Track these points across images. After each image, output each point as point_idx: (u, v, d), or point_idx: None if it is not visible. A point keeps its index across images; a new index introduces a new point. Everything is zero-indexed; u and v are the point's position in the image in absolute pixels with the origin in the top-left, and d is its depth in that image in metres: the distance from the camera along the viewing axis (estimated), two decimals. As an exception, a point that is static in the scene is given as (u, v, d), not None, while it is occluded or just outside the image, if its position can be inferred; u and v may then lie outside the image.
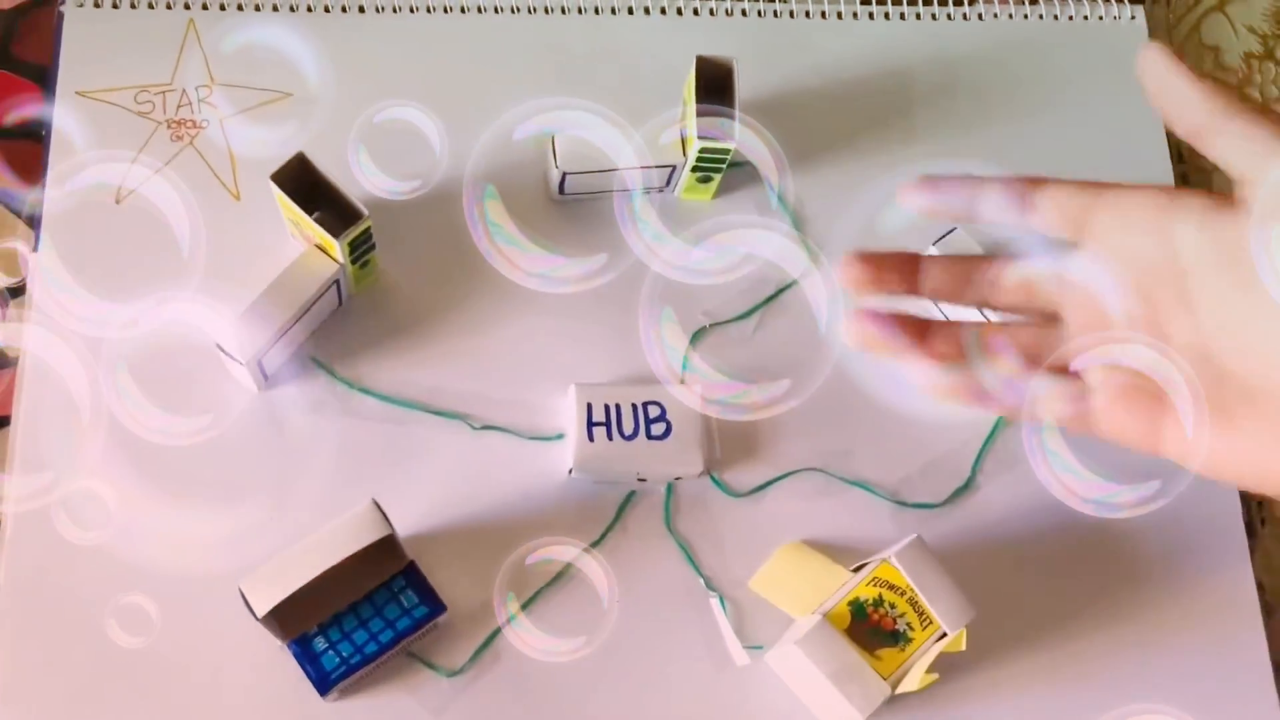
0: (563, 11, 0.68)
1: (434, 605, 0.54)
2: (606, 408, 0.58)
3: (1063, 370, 0.44)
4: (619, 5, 0.69)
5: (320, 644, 0.53)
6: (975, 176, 0.44)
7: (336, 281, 0.58)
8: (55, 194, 0.61)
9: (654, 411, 0.58)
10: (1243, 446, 0.40)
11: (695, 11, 0.69)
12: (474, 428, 0.59)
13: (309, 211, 0.55)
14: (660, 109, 0.62)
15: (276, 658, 0.54)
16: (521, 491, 0.59)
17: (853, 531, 0.60)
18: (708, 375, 0.61)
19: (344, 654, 0.53)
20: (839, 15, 0.70)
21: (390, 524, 0.51)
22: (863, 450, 0.61)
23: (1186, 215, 0.40)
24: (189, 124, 0.63)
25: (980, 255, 0.53)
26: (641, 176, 0.62)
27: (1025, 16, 0.71)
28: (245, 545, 0.54)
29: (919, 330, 0.45)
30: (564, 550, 0.57)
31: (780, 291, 0.63)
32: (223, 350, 0.55)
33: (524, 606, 0.57)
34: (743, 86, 0.60)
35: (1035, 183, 0.43)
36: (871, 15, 0.70)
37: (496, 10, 0.68)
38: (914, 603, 0.53)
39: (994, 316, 0.51)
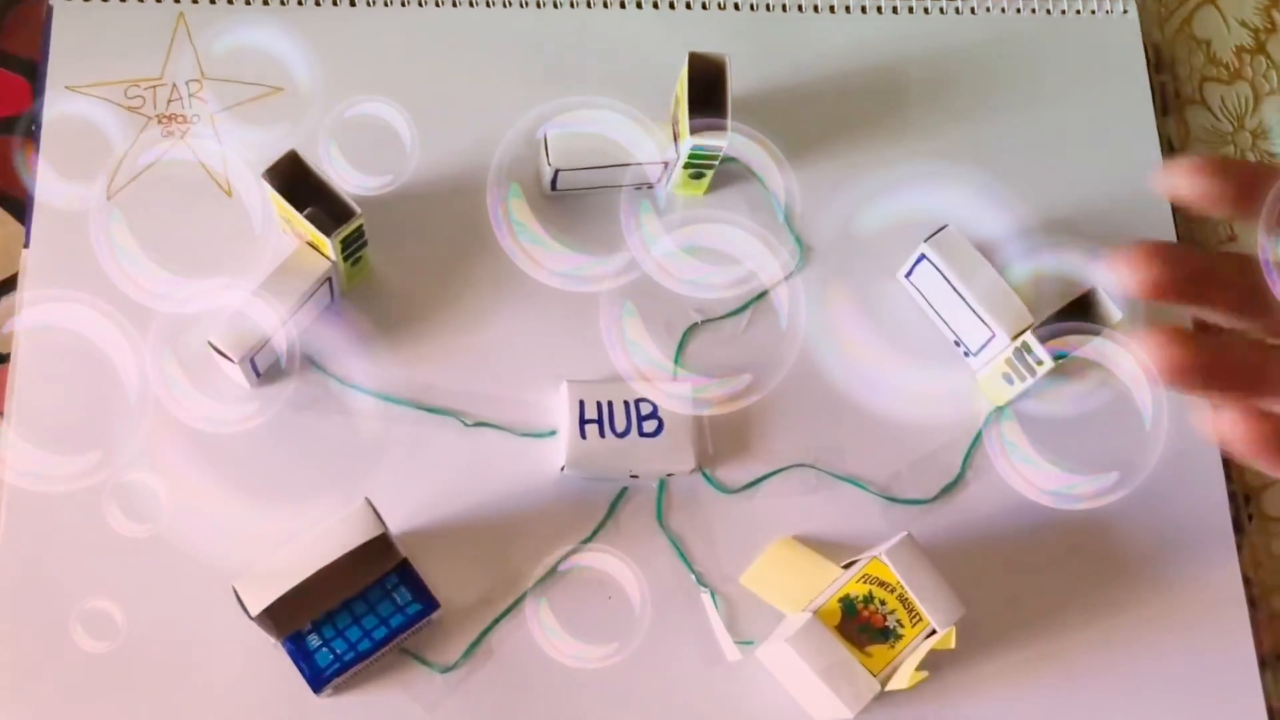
0: (554, 6, 0.68)
1: (427, 602, 0.54)
2: (599, 405, 0.58)
3: None
4: (611, -1, 0.68)
5: (314, 641, 0.53)
6: (1265, 164, 0.35)
7: (329, 279, 0.58)
8: (45, 189, 0.61)
9: (646, 408, 0.58)
10: None
11: (688, 5, 0.69)
12: (466, 424, 0.60)
13: (301, 209, 0.55)
14: (652, 104, 0.62)
15: (270, 654, 0.54)
16: (514, 488, 0.59)
17: (843, 527, 0.60)
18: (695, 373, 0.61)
19: (337, 651, 0.53)
20: (831, 9, 0.70)
21: (383, 523, 0.51)
22: (853, 447, 0.61)
23: None
24: (179, 119, 0.63)
25: None
26: (633, 173, 0.62)
27: (1018, 10, 0.71)
28: (238, 542, 0.54)
29: (1254, 375, 0.34)
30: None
31: (772, 288, 0.63)
32: (215, 348, 0.55)
33: (517, 603, 0.57)
34: (734, 81, 0.59)
35: None
36: (864, 9, 0.70)
37: (489, 4, 0.67)
38: (904, 600, 0.54)
39: None
